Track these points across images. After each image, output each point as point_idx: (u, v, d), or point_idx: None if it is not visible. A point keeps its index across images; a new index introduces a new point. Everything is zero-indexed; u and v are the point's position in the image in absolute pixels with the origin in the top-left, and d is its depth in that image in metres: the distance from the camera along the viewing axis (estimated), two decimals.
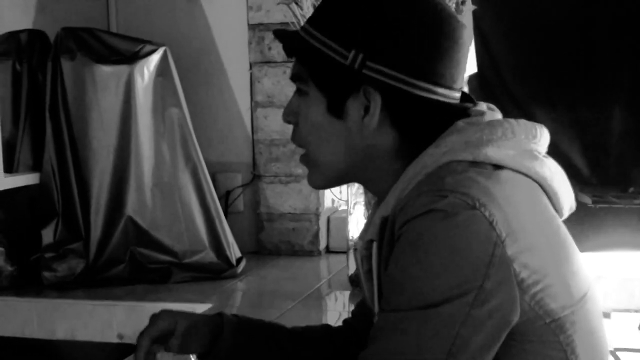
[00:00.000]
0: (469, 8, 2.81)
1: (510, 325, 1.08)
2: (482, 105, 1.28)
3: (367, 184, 1.32)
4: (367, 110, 1.22)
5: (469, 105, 1.26)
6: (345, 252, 3.24)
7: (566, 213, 1.28)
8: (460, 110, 1.24)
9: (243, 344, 1.44)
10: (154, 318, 1.43)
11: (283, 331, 1.51)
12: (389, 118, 1.22)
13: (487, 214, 1.07)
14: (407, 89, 1.20)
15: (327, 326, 1.59)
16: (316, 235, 3.74)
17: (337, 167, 1.28)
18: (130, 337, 2.84)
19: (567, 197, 1.27)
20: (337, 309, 3.03)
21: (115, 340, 2.84)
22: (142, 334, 1.40)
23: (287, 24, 3.26)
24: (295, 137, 1.32)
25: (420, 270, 1.08)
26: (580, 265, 1.20)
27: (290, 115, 1.31)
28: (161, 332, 1.40)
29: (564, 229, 1.22)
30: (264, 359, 1.47)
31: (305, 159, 1.32)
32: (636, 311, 3.75)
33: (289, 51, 1.30)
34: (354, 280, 3.02)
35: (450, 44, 1.21)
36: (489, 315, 1.06)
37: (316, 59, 1.23)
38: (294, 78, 1.30)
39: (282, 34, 1.31)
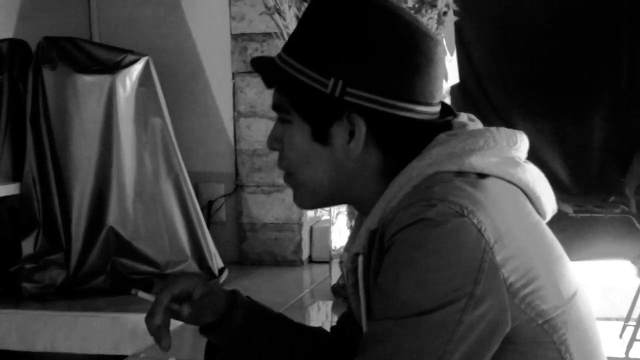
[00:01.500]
0: (450, 19, 2.82)
1: (503, 333, 1.10)
2: (463, 117, 1.30)
3: (354, 202, 1.33)
4: (351, 134, 1.23)
5: (450, 118, 1.28)
6: (328, 262, 3.24)
7: (549, 216, 1.30)
8: (442, 125, 1.25)
9: (251, 326, 1.44)
10: (175, 278, 1.44)
11: (291, 324, 1.52)
12: (373, 140, 1.24)
13: (475, 221, 1.09)
14: (389, 112, 1.21)
15: (323, 329, 1.59)
16: (299, 245, 3.74)
17: (324, 189, 1.29)
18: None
19: (549, 201, 1.29)
20: (319, 319, 3.03)
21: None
22: (162, 290, 1.41)
23: (269, 34, 3.27)
24: (282, 163, 1.32)
25: (412, 278, 1.09)
26: (568, 266, 1.22)
27: (275, 142, 1.31)
28: (181, 291, 1.41)
29: (549, 232, 1.24)
30: (268, 344, 1.46)
31: (289, 180, 1.33)
32: (617, 320, 3.77)
33: (268, 82, 1.30)
34: (336, 291, 3.02)
35: (427, 63, 1.22)
36: (479, 321, 1.07)
37: (297, 90, 1.24)
38: (275, 108, 1.30)
39: (260, 64, 1.31)
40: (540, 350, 1.13)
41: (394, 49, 1.21)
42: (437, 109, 1.27)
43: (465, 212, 1.09)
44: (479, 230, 1.08)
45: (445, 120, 1.27)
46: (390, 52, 1.21)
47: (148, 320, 1.37)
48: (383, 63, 1.21)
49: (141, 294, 1.43)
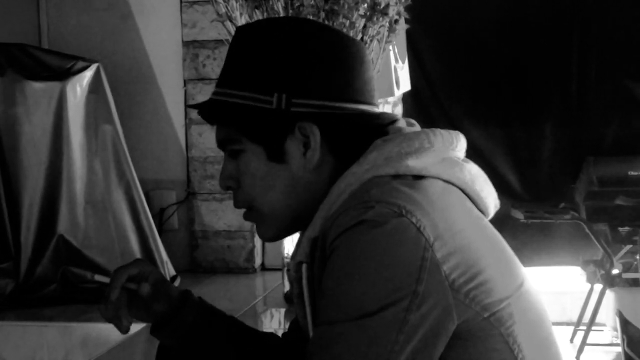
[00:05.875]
0: (402, 27, 2.83)
1: (450, 330, 1.10)
2: (402, 122, 1.31)
3: (310, 218, 1.31)
4: (306, 145, 1.23)
5: (397, 118, 1.29)
6: (281, 270, 3.23)
7: (491, 212, 1.31)
8: (388, 124, 1.27)
9: (203, 327, 1.43)
10: (131, 262, 1.41)
11: (243, 327, 1.51)
12: (326, 146, 1.24)
13: (414, 220, 1.10)
14: (338, 113, 1.22)
15: (275, 335, 1.59)
16: (251, 253, 3.73)
17: (287, 212, 1.28)
18: None
19: (490, 197, 1.30)
20: (272, 327, 3.02)
21: None
22: (119, 269, 1.37)
23: (221, 41, 3.26)
24: (239, 200, 1.30)
25: (354, 281, 1.09)
26: (512, 259, 1.23)
27: (229, 179, 1.29)
28: (138, 272, 1.37)
29: (491, 227, 1.26)
30: (220, 346, 1.45)
31: (251, 215, 1.32)
32: (568, 324, 3.81)
33: (212, 119, 1.29)
34: (289, 298, 3.02)
35: (360, 64, 1.25)
36: (424, 319, 1.08)
37: (242, 115, 1.23)
38: (222, 144, 1.29)
39: (198, 107, 1.30)
40: (488, 343, 1.14)
41: (327, 54, 1.23)
42: (377, 110, 1.29)
43: (404, 211, 1.10)
44: (418, 229, 1.09)
45: (392, 118, 1.28)
46: (324, 57, 1.23)
47: (103, 303, 1.33)
48: (320, 69, 1.22)
49: (98, 277, 1.40)
